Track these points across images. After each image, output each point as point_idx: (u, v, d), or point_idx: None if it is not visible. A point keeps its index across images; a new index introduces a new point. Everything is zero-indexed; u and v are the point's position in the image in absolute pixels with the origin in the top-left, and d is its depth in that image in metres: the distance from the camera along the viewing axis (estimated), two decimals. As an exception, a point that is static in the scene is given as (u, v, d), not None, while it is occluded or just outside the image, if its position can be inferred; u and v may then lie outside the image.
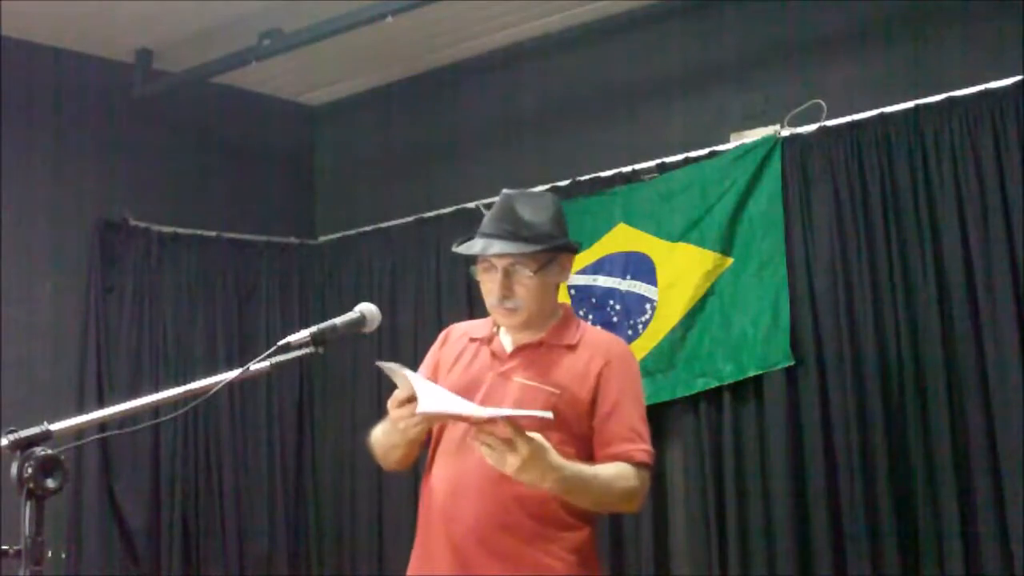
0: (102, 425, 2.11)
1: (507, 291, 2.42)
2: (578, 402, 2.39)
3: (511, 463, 2.12)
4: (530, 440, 2.12)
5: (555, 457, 2.18)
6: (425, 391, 2.13)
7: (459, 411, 2.17)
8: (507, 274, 2.43)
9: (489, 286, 2.46)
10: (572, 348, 2.47)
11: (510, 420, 2.11)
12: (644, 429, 2.43)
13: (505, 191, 2.50)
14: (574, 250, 2.55)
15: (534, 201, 2.49)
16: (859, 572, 3.86)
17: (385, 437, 2.46)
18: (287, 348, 2.12)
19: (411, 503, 2.54)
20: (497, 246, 2.42)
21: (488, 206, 4.89)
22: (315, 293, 5.65)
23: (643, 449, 2.39)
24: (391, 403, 2.24)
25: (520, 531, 2.33)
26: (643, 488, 2.39)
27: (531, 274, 2.42)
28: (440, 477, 2.42)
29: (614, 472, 2.34)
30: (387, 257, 5.42)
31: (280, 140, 5.83)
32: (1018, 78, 3.75)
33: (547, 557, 2.34)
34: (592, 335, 2.54)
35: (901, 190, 3.96)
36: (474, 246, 2.46)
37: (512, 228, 2.42)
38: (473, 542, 2.33)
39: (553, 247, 2.45)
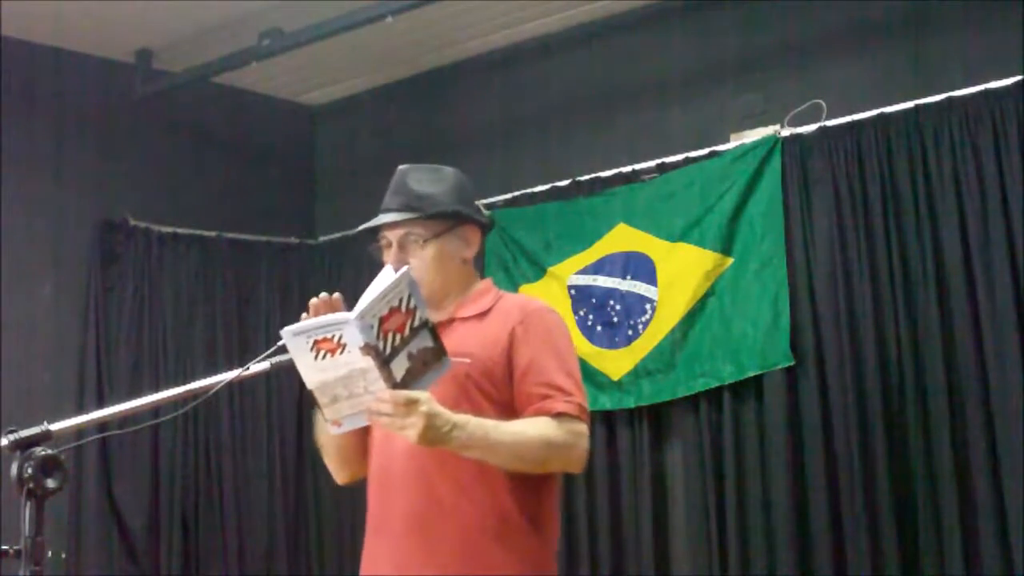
0: (102, 425, 2.11)
1: (400, 264, 2.24)
2: (493, 367, 2.23)
3: (412, 426, 1.97)
4: (426, 399, 2.00)
5: (452, 413, 2.04)
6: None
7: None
8: (401, 247, 2.34)
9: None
10: (483, 316, 2.31)
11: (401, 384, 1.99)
12: (567, 382, 2.22)
13: (400, 167, 2.43)
14: (481, 223, 2.39)
15: (430, 174, 2.41)
16: (859, 572, 3.86)
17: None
18: (287, 348, 2.12)
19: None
20: (387, 217, 2.36)
21: (489, 206, 4.98)
22: (315, 293, 5.61)
23: (564, 400, 2.19)
24: None
25: (462, 521, 2.19)
26: (572, 438, 2.18)
27: (424, 243, 2.32)
28: (372, 470, 2.31)
29: (529, 423, 2.16)
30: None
31: (280, 140, 5.82)
32: (1018, 78, 3.75)
33: (495, 551, 2.18)
34: (507, 300, 2.36)
35: (901, 190, 3.97)
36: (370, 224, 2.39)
37: (404, 200, 2.36)
38: (413, 535, 2.20)
39: (447, 215, 2.33)
